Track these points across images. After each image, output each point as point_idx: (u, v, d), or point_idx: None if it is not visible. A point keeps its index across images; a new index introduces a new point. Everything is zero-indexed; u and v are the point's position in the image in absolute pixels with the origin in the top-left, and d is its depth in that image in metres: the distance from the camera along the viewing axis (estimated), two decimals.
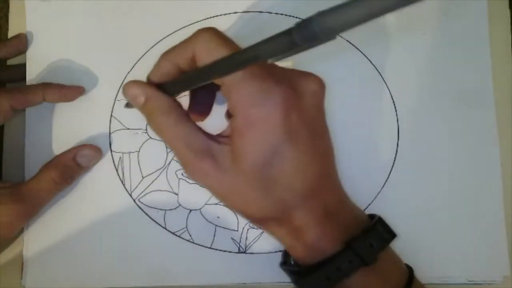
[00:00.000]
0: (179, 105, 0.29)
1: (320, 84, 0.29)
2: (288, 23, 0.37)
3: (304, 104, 0.27)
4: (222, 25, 0.37)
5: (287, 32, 0.21)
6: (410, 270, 0.30)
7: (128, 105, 0.32)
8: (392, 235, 0.29)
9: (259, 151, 0.26)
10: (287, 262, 0.31)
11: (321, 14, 0.19)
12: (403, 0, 0.18)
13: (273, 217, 0.28)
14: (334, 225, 0.28)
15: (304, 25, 0.20)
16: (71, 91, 0.36)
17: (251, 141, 0.26)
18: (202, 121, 0.33)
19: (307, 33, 0.19)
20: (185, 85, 0.29)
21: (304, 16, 0.36)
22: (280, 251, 0.35)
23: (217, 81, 0.27)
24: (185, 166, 0.28)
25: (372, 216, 0.30)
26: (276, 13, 0.37)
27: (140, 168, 0.36)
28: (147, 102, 0.29)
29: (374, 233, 0.28)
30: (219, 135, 0.29)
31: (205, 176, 0.27)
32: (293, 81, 0.27)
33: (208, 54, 0.26)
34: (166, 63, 0.29)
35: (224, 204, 0.29)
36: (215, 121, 0.32)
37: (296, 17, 0.37)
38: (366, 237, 0.27)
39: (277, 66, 0.28)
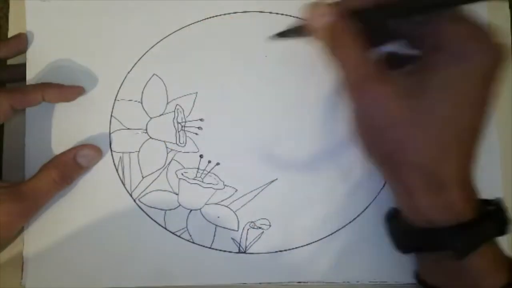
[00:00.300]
0: (362, 35, 0.28)
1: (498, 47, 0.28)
2: (288, 23, 0.38)
3: (493, 69, 0.27)
4: (222, 25, 0.37)
5: None
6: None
7: (283, 34, 0.32)
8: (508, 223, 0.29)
9: (454, 87, 0.26)
10: (395, 219, 0.31)
11: None
12: None
13: (423, 165, 0.27)
14: (472, 192, 0.28)
15: None
16: (70, 91, 0.36)
17: (454, 76, 0.26)
18: (400, 68, 0.32)
19: None
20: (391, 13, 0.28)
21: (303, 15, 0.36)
22: (281, 251, 0.35)
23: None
24: (358, 88, 0.27)
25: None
26: (276, 13, 0.37)
27: (140, 168, 0.36)
28: (336, 22, 0.28)
29: (503, 210, 0.29)
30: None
31: (377, 99, 0.27)
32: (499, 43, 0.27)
33: None
34: None
35: (369, 143, 0.28)
36: None
37: (296, 17, 0.37)
38: (499, 210, 0.28)
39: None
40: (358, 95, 0.28)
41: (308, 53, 0.37)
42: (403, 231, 0.30)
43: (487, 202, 0.29)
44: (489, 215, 0.28)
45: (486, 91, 0.27)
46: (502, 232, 0.28)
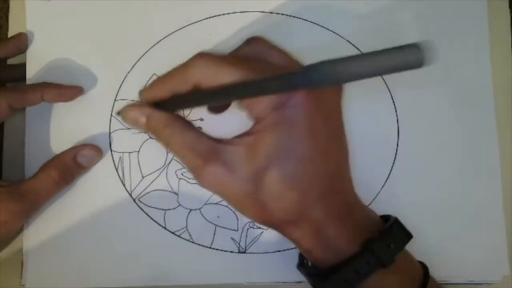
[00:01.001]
0: (179, 116, 0.29)
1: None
2: (288, 23, 0.38)
3: (324, 104, 0.27)
4: (222, 25, 0.37)
5: (290, 74, 0.21)
6: (424, 268, 0.30)
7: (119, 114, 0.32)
8: (408, 236, 0.29)
9: (278, 149, 0.26)
10: (303, 264, 0.31)
11: (323, 63, 0.20)
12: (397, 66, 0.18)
13: (289, 219, 0.27)
14: (350, 225, 0.28)
15: (305, 71, 0.20)
16: (69, 91, 0.36)
17: (271, 140, 0.26)
18: (220, 113, 0.34)
19: (307, 79, 0.20)
20: (189, 104, 0.29)
21: (304, 15, 0.37)
22: (279, 251, 0.35)
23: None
24: (195, 173, 0.28)
25: (384, 217, 0.30)
26: (277, 13, 0.37)
27: (140, 168, 0.36)
28: (149, 120, 0.29)
29: (391, 235, 0.28)
30: (228, 139, 0.29)
31: (215, 179, 0.27)
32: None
33: (214, 78, 0.26)
34: (162, 91, 0.28)
35: (238, 210, 0.28)
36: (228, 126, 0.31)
37: (296, 17, 0.37)
38: (384, 238, 0.27)
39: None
40: (199, 180, 0.28)
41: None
42: (309, 273, 0.30)
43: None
44: (368, 249, 0.27)
45: (317, 136, 0.26)
46: (383, 263, 0.27)
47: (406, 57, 0.18)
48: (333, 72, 0.20)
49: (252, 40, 0.29)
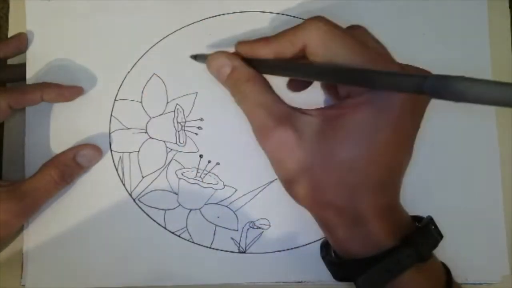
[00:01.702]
0: (263, 77, 0.29)
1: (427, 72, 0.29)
2: (287, 23, 0.38)
3: (417, 107, 0.27)
4: (222, 25, 0.37)
5: (421, 77, 0.21)
6: (447, 269, 0.30)
7: (197, 58, 0.33)
8: (441, 235, 0.29)
9: (356, 131, 0.26)
10: (328, 254, 0.31)
11: (464, 79, 0.20)
12: None
13: (337, 204, 0.27)
14: (393, 220, 0.28)
15: (442, 81, 0.20)
16: (69, 91, 0.36)
17: (354, 120, 0.26)
18: (299, 91, 0.34)
19: (438, 89, 0.20)
20: (284, 72, 0.29)
21: (304, 16, 0.36)
22: (279, 251, 0.35)
23: None
24: (262, 133, 0.28)
25: (414, 218, 0.30)
26: (277, 13, 0.37)
27: (140, 168, 0.36)
28: (233, 72, 0.29)
29: (428, 232, 0.28)
30: (306, 109, 0.28)
31: (281, 144, 0.27)
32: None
33: (324, 47, 0.26)
34: (265, 50, 0.28)
35: (285, 183, 0.28)
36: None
37: (296, 17, 0.37)
38: (422, 234, 0.28)
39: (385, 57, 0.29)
40: (265, 142, 0.28)
41: None
42: (333, 262, 0.30)
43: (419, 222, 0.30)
44: (408, 243, 0.27)
45: (399, 131, 0.26)
46: (422, 257, 0.27)
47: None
48: (469, 91, 0.20)
49: (357, 27, 0.29)
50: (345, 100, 0.27)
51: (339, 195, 0.27)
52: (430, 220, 0.29)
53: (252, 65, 0.29)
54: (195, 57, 0.34)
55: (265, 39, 0.29)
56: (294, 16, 0.37)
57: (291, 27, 0.28)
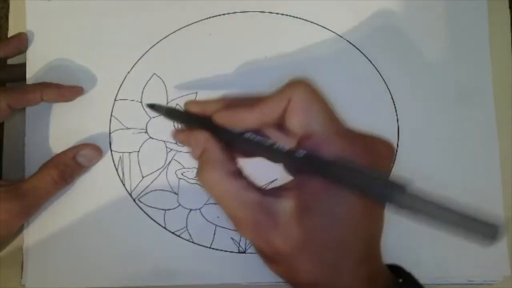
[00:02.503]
0: (232, 163, 0.28)
1: (390, 149, 0.28)
2: (288, 23, 0.38)
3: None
4: (222, 25, 0.37)
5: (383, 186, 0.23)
6: None
7: (154, 108, 0.32)
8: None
9: (328, 211, 0.26)
10: None
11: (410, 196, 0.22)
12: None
13: (321, 282, 0.27)
14: (378, 286, 0.27)
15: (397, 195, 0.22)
16: (69, 91, 0.36)
17: (326, 200, 0.25)
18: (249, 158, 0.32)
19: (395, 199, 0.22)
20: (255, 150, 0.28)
21: (304, 16, 0.36)
22: None
23: None
24: (235, 222, 0.27)
25: (390, 266, 0.30)
26: (276, 13, 0.37)
27: (140, 168, 0.36)
28: (202, 155, 0.28)
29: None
30: (278, 188, 0.28)
31: (257, 233, 0.26)
32: (372, 154, 0.27)
33: (305, 111, 0.26)
34: (251, 119, 0.27)
35: (267, 263, 0.28)
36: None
37: (297, 17, 0.37)
38: None
39: (353, 132, 0.28)
40: (238, 229, 0.27)
41: (308, 51, 0.37)
42: None
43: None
44: None
45: (366, 203, 0.26)
46: None
47: (483, 233, 0.19)
48: (411, 205, 0.21)
49: (297, 84, 0.27)
50: (303, 181, 0.26)
51: (323, 274, 0.26)
52: (408, 276, 0.29)
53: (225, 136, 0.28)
54: (152, 106, 0.32)
55: (248, 107, 0.28)
56: (294, 16, 0.37)
57: (274, 92, 0.27)
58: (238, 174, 0.27)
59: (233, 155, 0.29)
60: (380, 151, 0.27)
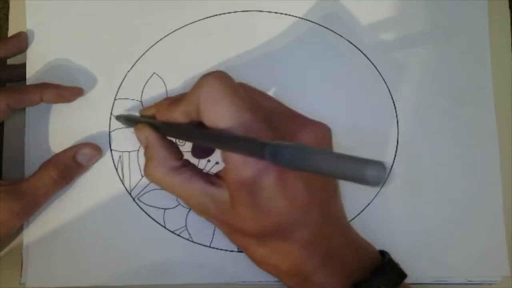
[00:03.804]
0: (174, 154, 0.30)
1: (321, 133, 0.29)
2: (288, 23, 0.38)
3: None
4: (222, 24, 0.37)
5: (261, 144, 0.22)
6: None
7: (118, 119, 0.35)
8: (402, 276, 0.29)
9: (252, 208, 0.26)
10: None
11: (292, 147, 0.21)
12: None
13: (279, 268, 0.28)
14: (338, 269, 0.28)
15: (274, 148, 0.22)
16: (69, 92, 0.36)
17: (243, 200, 0.26)
18: (203, 158, 0.35)
19: (273, 156, 0.22)
20: (186, 137, 0.30)
21: (304, 15, 0.36)
22: None
23: None
24: (193, 210, 0.30)
25: (383, 253, 0.30)
26: (275, 13, 0.37)
27: (139, 167, 0.36)
28: (146, 149, 0.30)
29: (383, 275, 0.28)
30: (217, 176, 0.29)
31: (211, 216, 0.29)
32: (290, 135, 0.27)
33: (212, 106, 0.26)
34: (177, 114, 0.28)
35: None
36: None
37: (296, 17, 0.37)
38: (374, 280, 0.27)
39: (276, 117, 0.28)
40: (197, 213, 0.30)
41: (308, 51, 0.37)
42: None
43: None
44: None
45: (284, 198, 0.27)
46: None
47: (370, 171, 0.18)
48: (298, 158, 0.20)
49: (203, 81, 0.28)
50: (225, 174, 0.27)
51: (272, 259, 0.28)
52: (388, 261, 0.29)
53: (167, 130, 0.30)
54: (117, 117, 0.35)
55: (174, 101, 0.29)
56: (294, 16, 0.37)
57: (190, 89, 0.28)
58: (183, 166, 0.29)
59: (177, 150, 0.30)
60: (306, 138, 0.28)
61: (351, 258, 0.28)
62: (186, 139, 0.31)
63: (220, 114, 0.26)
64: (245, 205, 0.26)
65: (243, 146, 0.24)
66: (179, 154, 0.30)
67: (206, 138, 0.27)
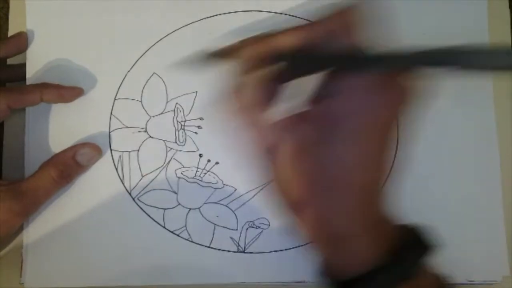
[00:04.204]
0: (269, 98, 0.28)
1: (403, 96, 0.27)
2: (288, 23, 0.38)
3: (377, 112, 0.26)
4: (222, 24, 0.37)
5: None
6: (442, 283, 0.30)
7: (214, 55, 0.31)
8: (432, 245, 0.28)
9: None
10: (325, 272, 0.31)
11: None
12: None
13: (320, 220, 0.27)
14: (377, 237, 0.27)
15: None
16: (68, 93, 0.36)
17: (352, 130, 0.26)
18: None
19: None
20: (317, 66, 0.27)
21: (304, 15, 0.36)
22: (276, 251, 0.35)
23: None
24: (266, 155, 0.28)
25: (405, 227, 0.30)
26: (275, 12, 0.37)
27: (139, 167, 0.36)
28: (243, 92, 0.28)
29: (414, 246, 0.28)
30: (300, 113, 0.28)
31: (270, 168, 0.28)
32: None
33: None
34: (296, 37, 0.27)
35: (284, 194, 0.29)
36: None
37: (296, 17, 0.37)
38: (411, 250, 0.27)
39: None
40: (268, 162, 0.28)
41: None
42: (330, 283, 0.30)
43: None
44: (393, 261, 0.27)
45: (383, 142, 0.26)
46: (407, 274, 0.27)
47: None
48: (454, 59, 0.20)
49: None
50: (331, 104, 0.26)
51: (319, 212, 0.27)
52: (417, 231, 0.29)
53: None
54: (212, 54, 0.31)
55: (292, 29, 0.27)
56: (294, 16, 0.37)
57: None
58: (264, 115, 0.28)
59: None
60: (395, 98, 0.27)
61: (388, 229, 0.28)
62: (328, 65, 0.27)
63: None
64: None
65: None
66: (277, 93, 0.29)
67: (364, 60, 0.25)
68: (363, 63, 0.25)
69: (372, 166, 0.27)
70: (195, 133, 0.36)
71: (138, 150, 0.36)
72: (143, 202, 0.35)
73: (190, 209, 0.35)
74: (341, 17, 0.27)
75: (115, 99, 0.36)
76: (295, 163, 0.27)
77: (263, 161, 0.29)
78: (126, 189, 0.35)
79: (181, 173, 0.36)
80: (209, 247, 0.35)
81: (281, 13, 0.37)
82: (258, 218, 0.35)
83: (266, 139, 0.28)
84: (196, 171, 0.36)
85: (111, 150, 0.36)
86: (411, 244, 0.28)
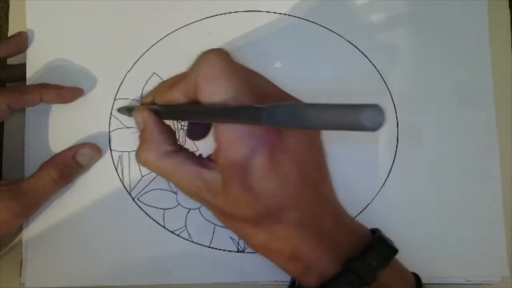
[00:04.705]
0: (169, 139, 0.30)
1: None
2: (288, 23, 0.38)
3: (290, 141, 0.27)
4: (222, 24, 0.37)
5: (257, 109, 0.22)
6: (417, 280, 0.30)
7: (120, 111, 0.35)
8: (392, 251, 0.29)
9: (243, 190, 0.26)
10: (294, 285, 0.32)
11: (289, 106, 0.20)
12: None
13: (270, 247, 0.28)
14: (332, 249, 0.28)
15: (271, 109, 0.21)
16: (69, 93, 0.35)
17: (234, 181, 0.26)
18: (198, 140, 0.35)
19: (271, 118, 0.21)
20: (183, 116, 0.30)
21: (304, 15, 0.36)
22: None
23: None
24: (185, 194, 0.30)
25: (374, 231, 0.30)
26: (274, 12, 0.37)
27: (139, 167, 0.36)
28: (142, 132, 0.30)
29: (374, 252, 0.28)
30: (212, 157, 0.29)
31: (202, 200, 0.29)
32: None
33: (211, 81, 0.26)
34: (176, 94, 0.29)
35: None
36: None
37: (296, 17, 0.37)
38: (365, 256, 0.27)
39: (272, 97, 0.28)
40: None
41: (308, 51, 0.37)
42: None
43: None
44: (351, 267, 0.27)
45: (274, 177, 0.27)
46: (364, 281, 0.27)
47: (366, 115, 0.17)
48: (295, 115, 0.20)
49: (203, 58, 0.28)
50: (217, 155, 0.27)
51: (265, 239, 0.28)
52: (378, 237, 0.29)
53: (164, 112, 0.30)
54: (119, 110, 0.36)
55: (172, 83, 0.29)
56: (294, 16, 0.37)
57: (189, 67, 0.28)
58: (176, 151, 0.29)
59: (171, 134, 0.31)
60: None
61: (344, 238, 0.28)
62: (184, 118, 0.31)
63: (217, 90, 0.26)
64: (236, 187, 0.26)
65: (239, 114, 0.24)
66: (173, 139, 0.30)
67: (202, 113, 0.27)
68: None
69: (305, 187, 0.27)
70: None
71: None
72: (143, 202, 0.35)
73: (190, 209, 0.35)
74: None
75: (115, 99, 0.36)
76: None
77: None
78: (126, 189, 0.35)
79: None
80: (209, 247, 0.35)
81: (281, 13, 0.37)
82: None
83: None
84: None
85: (111, 150, 0.36)
86: (369, 250, 0.28)
